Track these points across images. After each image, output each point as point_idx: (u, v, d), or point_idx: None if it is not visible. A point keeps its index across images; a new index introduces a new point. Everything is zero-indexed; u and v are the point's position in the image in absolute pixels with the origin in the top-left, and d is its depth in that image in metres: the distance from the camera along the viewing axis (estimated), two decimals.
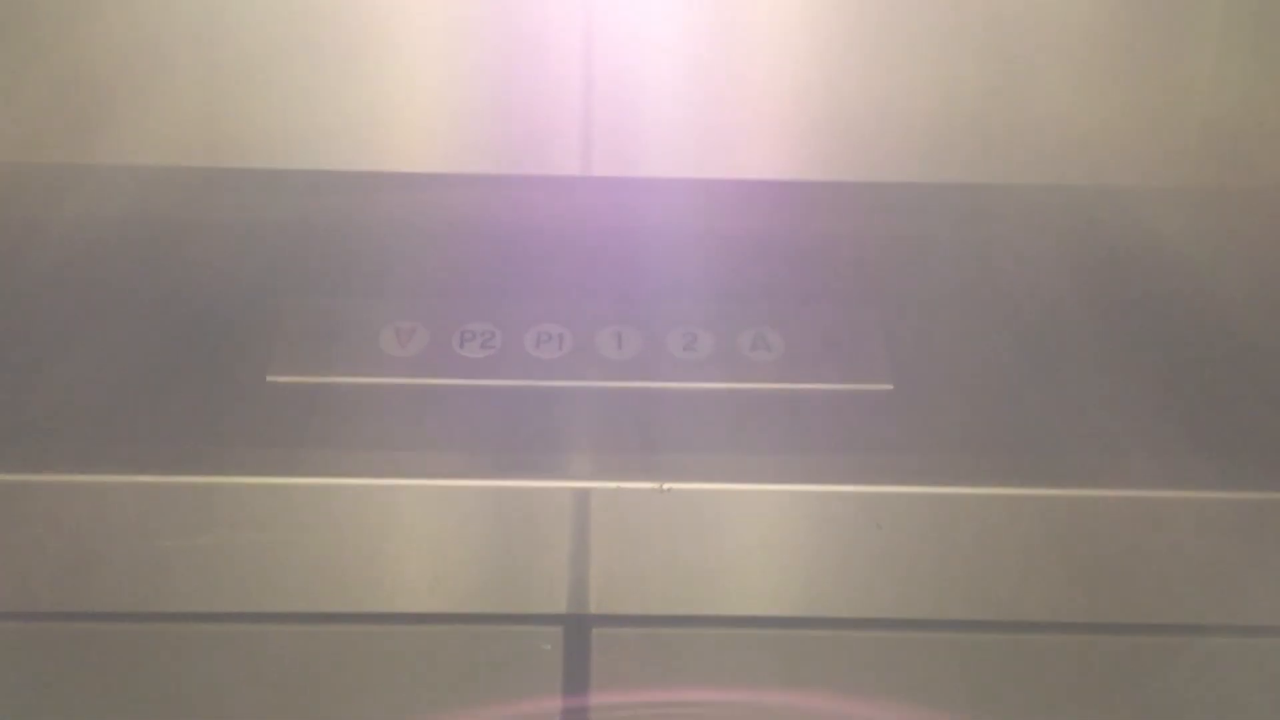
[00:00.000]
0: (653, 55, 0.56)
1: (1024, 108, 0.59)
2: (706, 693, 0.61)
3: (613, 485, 0.55)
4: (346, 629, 0.59)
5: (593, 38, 0.55)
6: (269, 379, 0.58)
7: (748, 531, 0.57)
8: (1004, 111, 0.59)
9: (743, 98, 0.57)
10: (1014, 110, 0.59)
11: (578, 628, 0.60)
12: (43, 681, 0.59)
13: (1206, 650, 0.59)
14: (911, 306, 0.62)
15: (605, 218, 0.64)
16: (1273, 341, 0.61)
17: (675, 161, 0.59)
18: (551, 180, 0.60)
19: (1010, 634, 0.59)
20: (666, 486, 0.55)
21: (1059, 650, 0.60)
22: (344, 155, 0.58)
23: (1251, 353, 0.60)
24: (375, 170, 0.57)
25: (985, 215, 0.63)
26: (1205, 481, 0.56)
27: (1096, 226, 0.63)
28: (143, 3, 0.54)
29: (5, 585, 0.56)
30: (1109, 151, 0.60)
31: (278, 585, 0.57)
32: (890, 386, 0.59)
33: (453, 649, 0.60)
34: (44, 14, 0.54)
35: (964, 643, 0.59)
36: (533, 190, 0.63)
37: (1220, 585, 0.57)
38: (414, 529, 0.57)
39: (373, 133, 0.57)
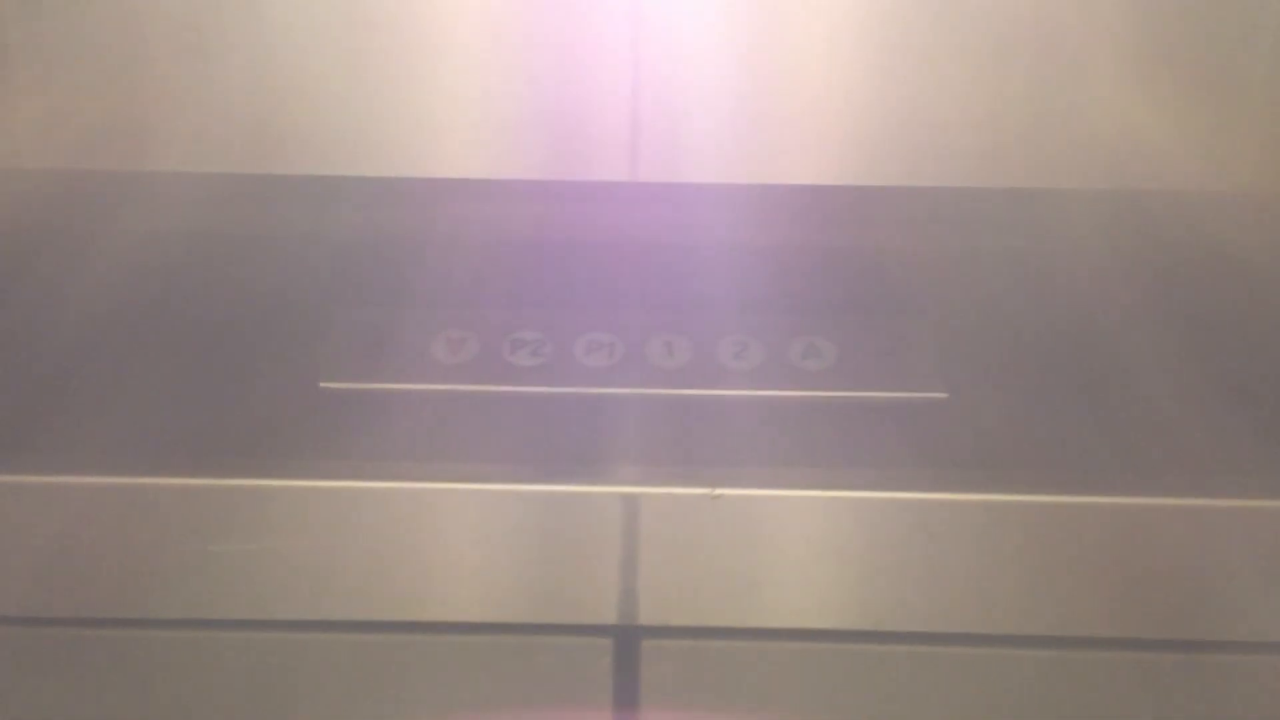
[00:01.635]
0: (701, 60, 0.56)
1: (1077, 112, 0.58)
2: (760, 710, 0.60)
3: (663, 491, 0.55)
4: (397, 638, 0.59)
5: (640, 43, 0.55)
6: (322, 385, 0.58)
7: (800, 540, 0.56)
8: (1058, 116, 0.58)
9: (792, 102, 0.57)
10: (1068, 115, 0.58)
11: (628, 639, 0.59)
12: (99, 687, 0.60)
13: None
14: (965, 314, 0.61)
15: (655, 225, 0.64)
16: None
17: (723, 167, 0.58)
18: (601, 187, 0.60)
19: (1069, 649, 0.58)
20: (718, 492, 0.55)
21: (1122, 665, 0.58)
22: (393, 161, 0.59)
23: None
24: (424, 176, 0.58)
25: (1039, 222, 0.63)
26: (1268, 491, 0.54)
27: (1152, 233, 0.62)
28: (194, 10, 0.55)
29: (53, 588, 0.57)
30: (1164, 157, 0.59)
31: (330, 591, 0.57)
32: (945, 395, 0.58)
33: (503, 658, 0.59)
34: (94, 22, 0.54)
35: (1020, 657, 0.58)
36: (582, 198, 0.63)
37: None
38: (465, 536, 0.57)
39: (421, 138, 0.57)
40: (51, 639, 0.59)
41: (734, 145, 0.57)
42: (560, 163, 0.58)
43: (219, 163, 0.57)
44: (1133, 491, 0.55)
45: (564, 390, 0.58)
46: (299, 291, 0.62)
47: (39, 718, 0.60)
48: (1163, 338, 0.60)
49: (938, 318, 0.61)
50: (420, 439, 0.57)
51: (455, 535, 0.57)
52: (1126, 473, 0.55)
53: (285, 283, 0.62)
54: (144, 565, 0.57)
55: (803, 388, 0.58)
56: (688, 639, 0.59)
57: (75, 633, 0.59)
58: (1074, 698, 0.59)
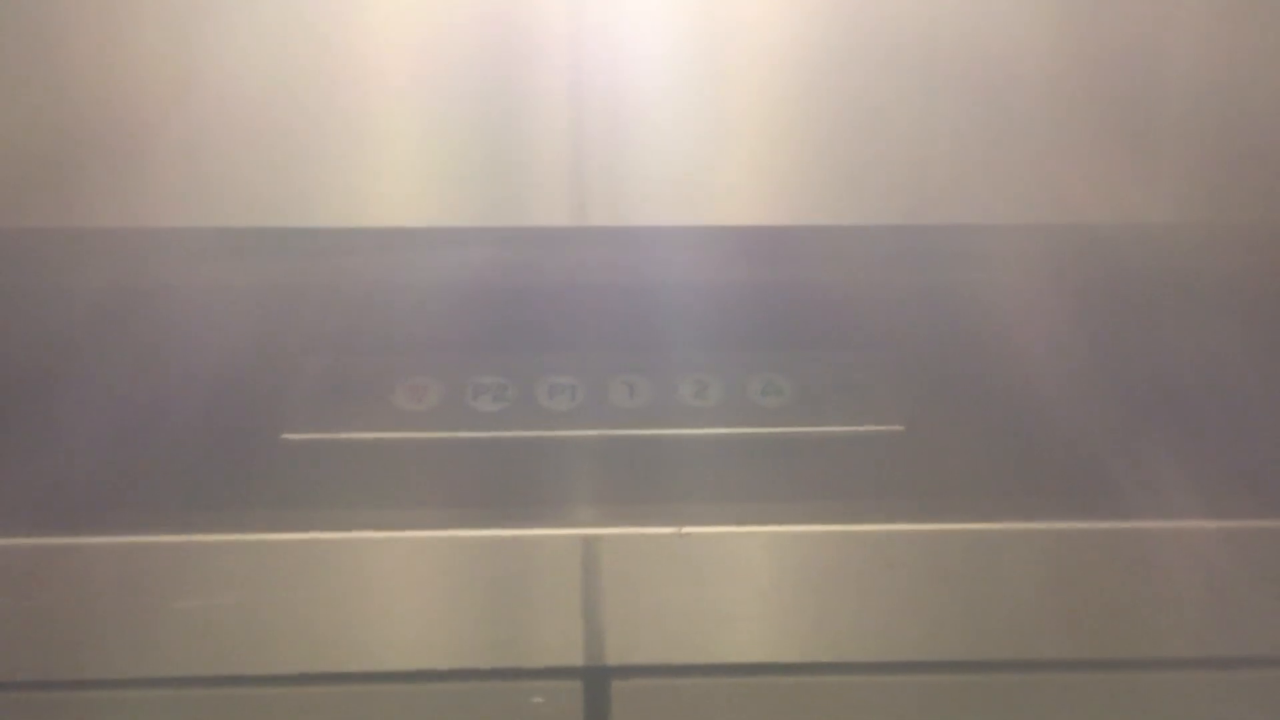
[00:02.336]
0: (642, 105, 0.57)
1: (1023, 150, 0.60)
2: None
3: (631, 531, 0.55)
4: (365, 688, 0.58)
5: (582, 88, 0.56)
6: (284, 436, 0.58)
7: (764, 575, 0.57)
8: (1006, 153, 0.60)
9: (735, 144, 0.58)
10: (1016, 152, 0.60)
11: (597, 680, 0.59)
12: None
13: (1229, 683, 0.59)
14: (920, 349, 0.62)
15: (612, 269, 0.65)
16: (1271, 374, 0.61)
17: (669, 210, 0.59)
18: (558, 233, 0.61)
19: (1031, 673, 0.59)
20: (685, 530, 0.55)
21: (1080, 687, 0.59)
22: (336, 212, 0.59)
23: (1252, 385, 0.61)
24: (363, 226, 0.58)
25: (992, 257, 0.64)
26: (1216, 512, 0.56)
27: (1100, 265, 0.64)
28: (139, 71, 0.55)
29: (9, 651, 0.56)
30: (1112, 191, 0.60)
31: (297, 643, 0.57)
32: (901, 428, 0.59)
33: (474, 705, 0.59)
34: (69, 74, 0.54)
35: (986, 683, 0.59)
36: (540, 244, 0.63)
37: (1236, 616, 0.57)
38: (432, 583, 0.57)
39: (359, 188, 0.58)
40: (9, 703, 0.58)
41: (678, 188, 0.58)
42: (504, 210, 0.59)
43: (173, 217, 0.57)
44: (1085, 518, 0.56)
45: (528, 434, 0.59)
46: (259, 343, 0.62)
47: None
48: (1113, 368, 0.61)
49: (892, 353, 0.62)
50: (384, 487, 0.57)
51: (422, 583, 0.57)
52: (1082, 499, 0.56)
53: (244, 334, 0.62)
54: (105, 624, 0.56)
55: (763, 424, 0.59)
56: (657, 678, 0.59)
57: (33, 696, 0.58)
58: (1040, 718, 0.60)
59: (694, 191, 0.59)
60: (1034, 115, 0.59)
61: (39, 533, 0.55)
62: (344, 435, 0.58)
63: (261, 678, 0.58)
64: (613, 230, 0.61)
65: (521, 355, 0.61)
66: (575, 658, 0.58)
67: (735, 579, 0.57)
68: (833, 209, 0.60)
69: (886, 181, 0.59)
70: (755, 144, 0.59)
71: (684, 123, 0.58)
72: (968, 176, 0.59)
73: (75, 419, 0.58)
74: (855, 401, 0.60)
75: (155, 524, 0.55)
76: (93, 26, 0.54)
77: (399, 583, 0.57)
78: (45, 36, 0.54)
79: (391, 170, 0.58)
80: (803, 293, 0.64)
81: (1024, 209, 0.61)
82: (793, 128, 0.58)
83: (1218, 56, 0.57)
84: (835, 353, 0.62)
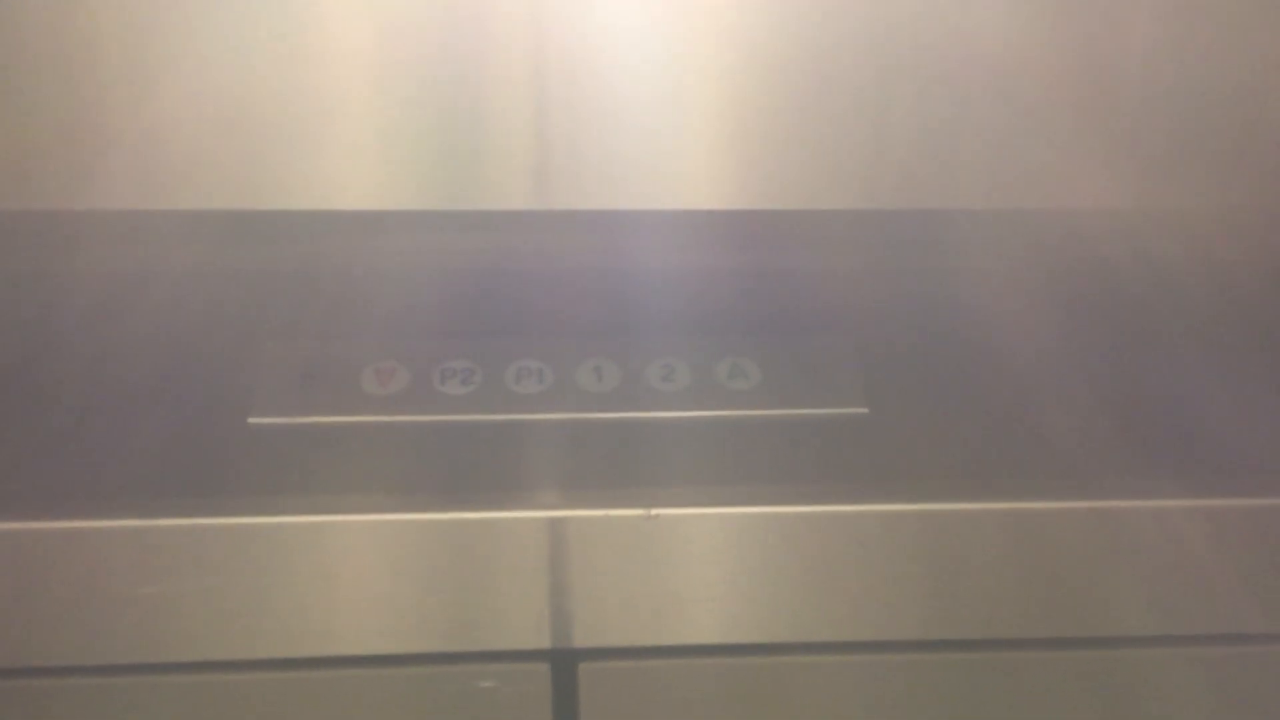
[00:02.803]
0: (605, 88, 0.57)
1: (987, 134, 0.60)
2: None
3: (600, 513, 0.56)
4: (335, 673, 0.58)
5: (544, 71, 0.56)
6: (250, 421, 0.58)
7: (731, 556, 0.57)
8: (971, 138, 0.60)
9: (696, 128, 0.58)
10: (980, 136, 0.60)
11: (564, 662, 0.60)
12: None
13: (1194, 659, 0.60)
14: (884, 332, 0.63)
15: (579, 253, 0.65)
16: (1242, 355, 0.62)
17: (631, 193, 0.59)
18: (525, 216, 0.61)
19: (996, 651, 0.60)
20: (654, 512, 0.55)
21: (1045, 666, 0.60)
22: (300, 195, 0.59)
23: (1222, 367, 0.62)
24: (326, 209, 0.58)
25: (955, 241, 0.65)
26: (1180, 491, 0.57)
27: (1059, 249, 0.64)
28: (105, 55, 0.54)
29: None
30: (1074, 176, 0.61)
31: (264, 628, 0.57)
32: (865, 410, 0.60)
33: (442, 688, 0.59)
34: (29, 63, 0.54)
35: (951, 662, 0.60)
36: (508, 228, 0.63)
37: (1198, 593, 0.58)
38: (400, 567, 0.57)
39: (321, 172, 0.57)
40: None
41: (642, 171, 0.58)
42: (467, 193, 0.59)
43: (137, 200, 0.57)
44: (1051, 497, 0.57)
45: (496, 418, 0.59)
46: (225, 327, 0.61)
47: None
48: (1075, 351, 0.62)
49: (857, 336, 0.62)
50: (352, 471, 0.57)
51: (389, 567, 0.57)
52: (1043, 479, 0.57)
53: (211, 318, 0.61)
54: (69, 610, 0.56)
55: (730, 407, 0.59)
56: (625, 660, 0.59)
57: (6, 684, 0.58)
58: (1009, 699, 0.60)
59: (658, 175, 0.59)
60: (999, 99, 0.59)
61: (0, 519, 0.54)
62: (311, 419, 0.58)
63: (228, 663, 0.58)
64: (577, 214, 0.61)
65: (489, 339, 0.61)
66: (543, 640, 0.58)
67: (703, 561, 0.57)
68: (797, 193, 0.61)
69: (850, 166, 0.60)
70: (719, 127, 0.59)
71: (648, 106, 0.58)
72: (931, 160, 0.60)
73: (40, 403, 0.58)
74: (820, 385, 0.60)
75: (120, 508, 0.55)
76: (58, 8, 0.54)
77: (366, 566, 0.57)
78: (7, 18, 0.53)
79: (356, 154, 0.58)
80: (769, 277, 0.65)
81: (988, 194, 0.61)
82: (757, 111, 0.59)
83: (1188, 42, 0.58)
84: (801, 337, 0.62)
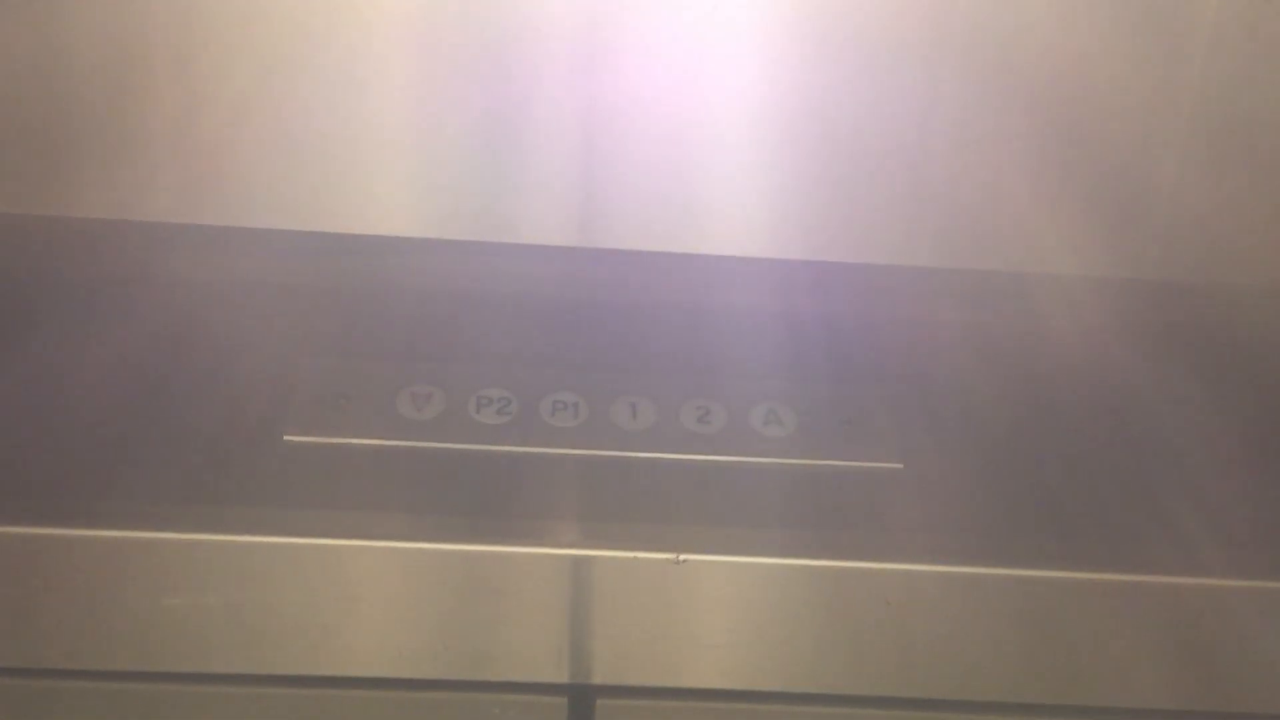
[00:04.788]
0: (657, 133, 0.57)
1: (1032, 196, 0.60)
2: None
3: (628, 555, 0.55)
4: (358, 693, 0.59)
5: (593, 112, 0.56)
6: (285, 438, 0.58)
7: (756, 604, 0.57)
8: (1010, 201, 0.60)
9: (748, 177, 0.59)
10: (1023, 198, 0.60)
11: (582, 698, 0.60)
12: None
13: None
14: (922, 387, 0.62)
15: (621, 289, 0.65)
16: (1271, 429, 0.62)
17: (674, 238, 0.60)
18: (568, 251, 0.61)
19: (1020, 716, 0.59)
20: (682, 558, 0.55)
21: None
22: (350, 219, 0.59)
23: (1254, 441, 0.61)
24: (374, 234, 0.58)
25: (994, 299, 0.64)
26: (1215, 568, 0.56)
27: (1104, 311, 0.64)
28: (152, 70, 0.55)
29: (7, 640, 0.56)
30: (1115, 241, 0.61)
31: (287, 647, 0.57)
32: (900, 465, 0.59)
33: (460, 716, 0.59)
34: (82, 77, 0.54)
35: None
36: (552, 261, 0.63)
37: (1227, 671, 0.58)
38: (422, 593, 0.57)
39: (377, 197, 0.58)
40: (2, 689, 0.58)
41: (683, 215, 0.58)
42: (510, 227, 0.59)
43: (185, 213, 0.57)
44: (1081, 567, 0.56)
45: (528, 449, 0.59)
46: (265, 344, 0.62)
47: None
48: (1112, 413, 0.62)
49: (895, 389, 0.62)
50: (382, 494, 0.57)
51: (413, 592, 0.57)
52: (1079, 546, 0.57)
53: (251, 334, 0.62)
54: (98, 618, 0.56)
55: (763, 454, 0.59)
56: (643, 699, 0.59)
57: (23, 683, 0.58)
58: None
59: (700, 221, 0.60)
60: (1043, 162, 0.59)
61: (34, 523, 0.54)
62: (345, 440, 0.58)
63: (249, 677, 0.58)
64: (625, 254, 0.61)
65: (526, 370, 0.61)
66: (561, 675, 0.58)
67: (726, 607, 0.57)
68: (840, 247, 0.61)
69: (891, 221, 0.60)
70: (764, 177, 0.59)
71: (695, 151, 0.58)
72: (969, 221, 0.60)
73: (77, 412, 0.58)
74: (856, 436, 0.60)
75: (152, 520, 0.55)
76: (99, 23, 0.54)
77: (390, 590, 0.57)
78: (58, 30, 0.54)
79: (403, 181, 0.58)
80: (810, 324, 0.65)
81: (1024, 257, 0.61)
82: (801, 163, 0.59)
83: (1233, 108, 0.58)
84: (839, 386, 0.62)
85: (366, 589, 0.56)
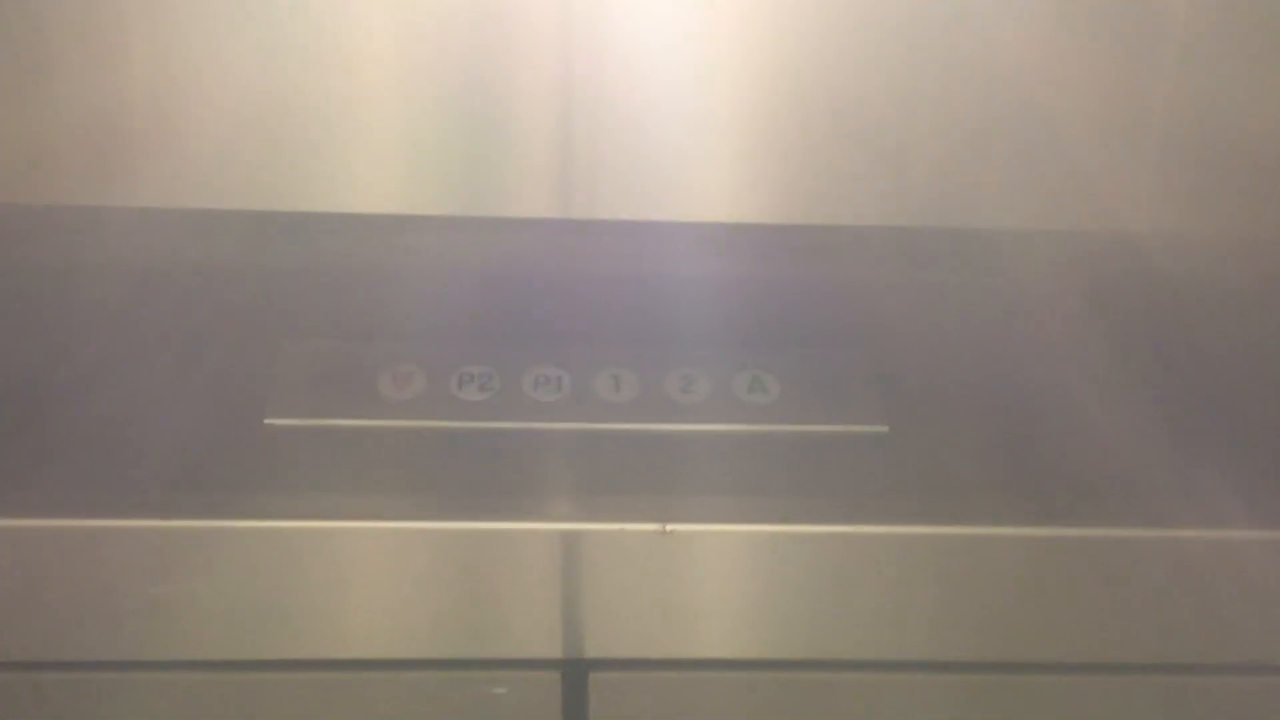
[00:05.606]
0: (635, 99, 0.57)
1: (1013, 153, 0.60)
2: None
3: (615, 527, 0.55)
4: (345, 675, 0.58)
5: (573, 81, 0.56)
6: (266, 421, 0.58)
7: (745, 572, 0.57)
8: (995, 156, 0.60)
9: (728, 141, 0.58)
10: (1004, 155, 0.60)
11: (575, 672, 0.60)
12: None
13: (1204, 689, 0.60)
14: (906, 350, 0.62)
15: (601, 262, 0.64)
16: (1260, 384, 0.62)
17: (657, 206, 0.59)
18: (547, 224, 0.61)
19: (1009, 675, 0.59)
20: (670, 528, 0.55)
21: (1058, 691, 0.60)
22: (329, 198, 0.59)
23: (1240, 392, 0.61)
24: (346, 212, 0.58)
25: (979, 259, 0.64)
26: (1200, 520, 0.56)
27: (1081, 269, 0.64)
28: (126, 55, 0.54)
29: None
30: (1097, 196, 0.61)
31: (276, 630, 0.57)
32: (886, 428, 0.59)
33: (452, 694, 0.59)
34: (57, 60, 0.54)
35: (964, 684, 0.60)
36: (530, 234, 0.63)
37: (1217, 623, 0.58)
38: (413, 572, 0.56)
39: (343, 174, 0.57)
40: None
41: (666, 183, 0.58)
42: (491, 200, 0.58)
43: (160, 197, 0.57)
44: (1067, 524, 0.56)
45: (513, 425, 0.58)
46: (243, 326, 0.61)
47: None
48: (1097, 371, 0.62)
49: (879, 353, 0.62)
50: (367, 475, 0.57)
51: (402, 572, 0.57)
52: (1064, 503, 0.57)
53: (230, 317, 0.61)
54: (82, 608, 0.56)
55: (748, 422, 0.59)
56: (636, 671, 0.59)
57: (10, 676, 0.58)
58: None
59: (681, 187, 0.59)
60: (1022, 119, 0.59)
61: (14, 514, 0.54)
62: (327, 421, 0.58)
63: (237, 663, 0.58)
64: (600, 222, 0.61)
65: (508, 345, 0.61)
66: (554, 649, 0.58)
67: (716, 576, 0.57)
68: (821, 209, 0.60)
69: (873, 182, 0.59)
70: (743, 142, 0.59)
71: (673, 118, 0.58)
72: (954, 180, 0.60)
73: (55, 399, 0.58)
74: (841, 401, 0.60)
75: (133, 507, 0.55)
76: (81, 10, 0.54)
77: (379, 571, 0.57)
78: (34, 14, 0.53)
79: (379, 158, 0.58)
80: (792, 291, 0.64)
81: (1009, 214, 0.61)
82: (781, 126, 0.58)
83: (1204, 66, 0.58)
84: (822, 352, 0.62)
85: (354, 571, 0.56)
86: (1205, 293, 0.63)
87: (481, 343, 0.61)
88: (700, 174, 0.58)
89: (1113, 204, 0.59)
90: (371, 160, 0.58)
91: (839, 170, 0.58)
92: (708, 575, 0.57)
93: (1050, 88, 0.58)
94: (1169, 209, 0.61)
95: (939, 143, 0.58)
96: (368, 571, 0.56)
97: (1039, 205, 0.61)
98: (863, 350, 0.62)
